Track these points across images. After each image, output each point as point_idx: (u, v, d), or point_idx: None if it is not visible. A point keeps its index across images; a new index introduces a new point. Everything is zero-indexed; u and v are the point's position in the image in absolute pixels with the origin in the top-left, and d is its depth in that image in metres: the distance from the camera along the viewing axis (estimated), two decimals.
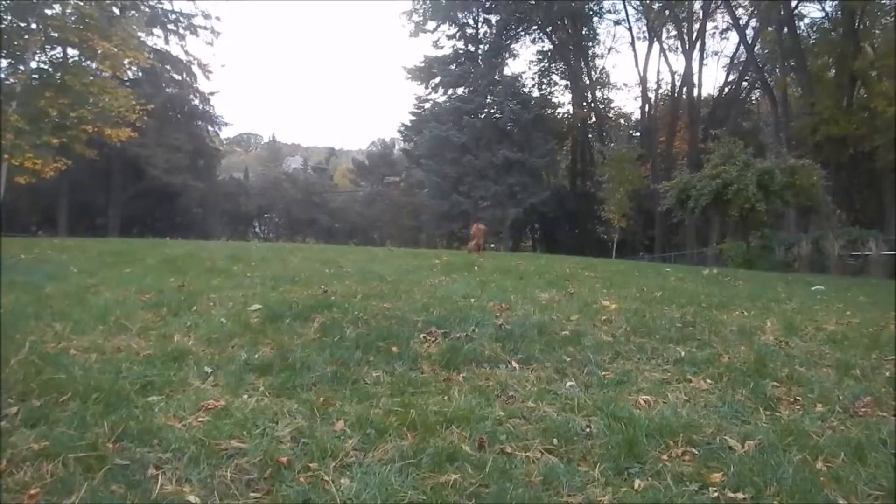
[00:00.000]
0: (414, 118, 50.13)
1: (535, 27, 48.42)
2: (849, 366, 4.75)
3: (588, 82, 49.68)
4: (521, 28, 48.33)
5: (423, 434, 3.23)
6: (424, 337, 5.06)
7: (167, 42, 43.06)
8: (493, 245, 38.45)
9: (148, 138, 36.31)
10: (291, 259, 10.75)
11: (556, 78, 51.62)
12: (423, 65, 47.62)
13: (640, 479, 2.88)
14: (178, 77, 45.16)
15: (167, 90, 43.94)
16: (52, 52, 24.51)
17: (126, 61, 25.29)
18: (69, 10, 22.73)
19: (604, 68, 52.50)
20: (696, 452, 3.18)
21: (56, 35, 22.63)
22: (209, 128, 50.04)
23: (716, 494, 2.75)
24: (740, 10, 39.98)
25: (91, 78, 23.41)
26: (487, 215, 39.97)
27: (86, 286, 7.12)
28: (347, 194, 64.86)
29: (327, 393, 3.82)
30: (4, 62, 22.68)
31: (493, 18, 46.68)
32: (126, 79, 31.98)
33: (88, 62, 24.32)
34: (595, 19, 48.18)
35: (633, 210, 35.97)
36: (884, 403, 3.97)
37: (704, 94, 47.19)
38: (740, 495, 2.75)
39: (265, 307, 5.84)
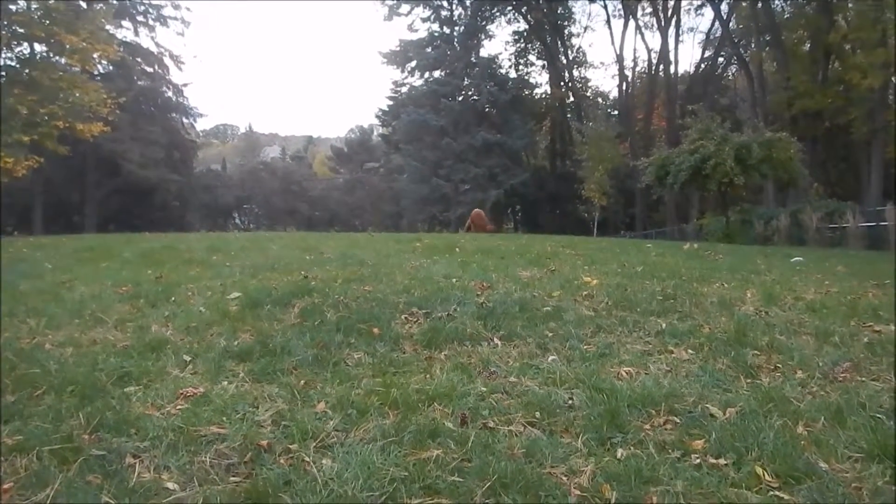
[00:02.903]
0: (391, 103, 50.02)
1: (509, 7, 48.29)
2: (828, 333, 4.79)
3: (565, 62, 49.72)
4: (495, 9, 48.12)
5: (404, 412, 3.21)
6: (406, 318, 5.03)
7: (137, 34, 42.55)
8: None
9: (122, 133, 35.84)
10: (271, 247, 10.66)
11: (532, 58, 51.74)
12: (398, 49, 47.37)
13: (623, 449, 2.88)
14: (149, 69, 44.56)
15: (139, 83, 43.39)
16: (19, 49, 24.05)
17: (95, 55, 24.92)
18: (34, 6, 22.28)
19: (580, 47, 52.68)
20: (678, 421, 3.18)
21: (22, 31, 22.20)
22: (184, 120, 49.59)
23: (698, 461, 2.76)
24: None
25: (60, 73, 23.04)
26: (468, 198, 40.05)
27: (61, 282, 7.00)
28: (327, 182, 64.53)
29: (308, 376, 3.79)
30: None
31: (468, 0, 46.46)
32: (96, 73, 31.55)
33: (56, 57, 23.91)
34: None
35: (613, 188, 36.14)
36: (862, 368, 4.01)
37: (681, 70, 47.57)
38: (722, 461, 2.76)
39: (244, 295, 5.78)
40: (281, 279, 6.70)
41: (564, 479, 2.62)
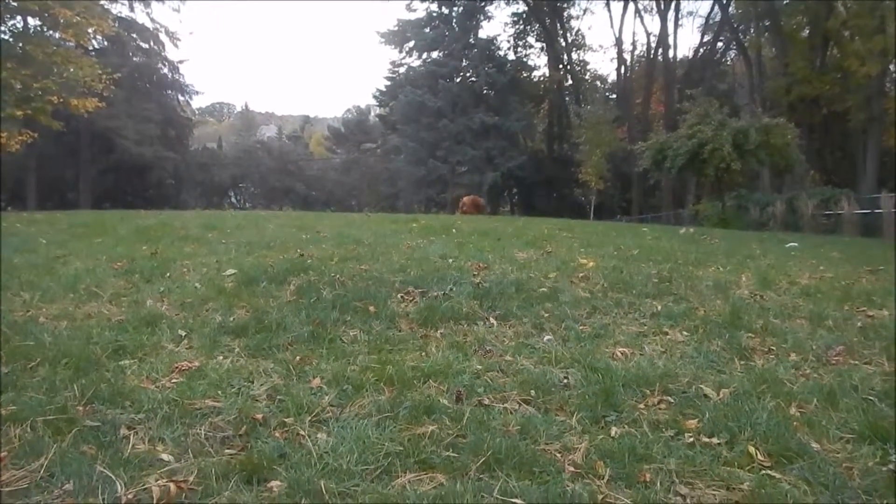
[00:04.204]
0: (389, 83, 49.54)
1: None
2: (821, 317, 4.82)
3: (564, 44, 49.33)
4: None
5: (400, 388, 3.22)
6: (402, 296, 5.03)
7: (132, 10, 41.78)
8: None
9: (117, 109, 35.51)
10: (267, 226, 10.62)
11: (531, 40, 51.14)
12: (396, 29, 46.90)
13: (617, 427, 2.90)
14: (145, 45, 43.96)
15: (134, 59, 42.89)
16: (12, 22, 23.77)
17: (90, 30, 24.61)
18: None
19: (579, 30, 52.24)
20: (672, 401, 3.21)
21: (15, 4, 21.93)
22: (180, 97, 49.05)
23: (691, 440, 2.78)
24: None
25: (54, 47, 22.79)
26: (465, 180, 39.89)
27: (55, 257, 6.96)
28: (323, 162, 64.20)
29: (303, 352, 3.79)
30: None
31: None
32: (91, 48, 31.19)
33: (50, 31, 23.63)
34: None
35: (609, 172, 36.12)
36: (855, 352, 4.04)
37: (680, 55, 47.28)
38: (715, 440, 2.79)
39: (240, 272, 5.76)
40: (277, 257, 6.68)
41: (559, 455, 2.64)
